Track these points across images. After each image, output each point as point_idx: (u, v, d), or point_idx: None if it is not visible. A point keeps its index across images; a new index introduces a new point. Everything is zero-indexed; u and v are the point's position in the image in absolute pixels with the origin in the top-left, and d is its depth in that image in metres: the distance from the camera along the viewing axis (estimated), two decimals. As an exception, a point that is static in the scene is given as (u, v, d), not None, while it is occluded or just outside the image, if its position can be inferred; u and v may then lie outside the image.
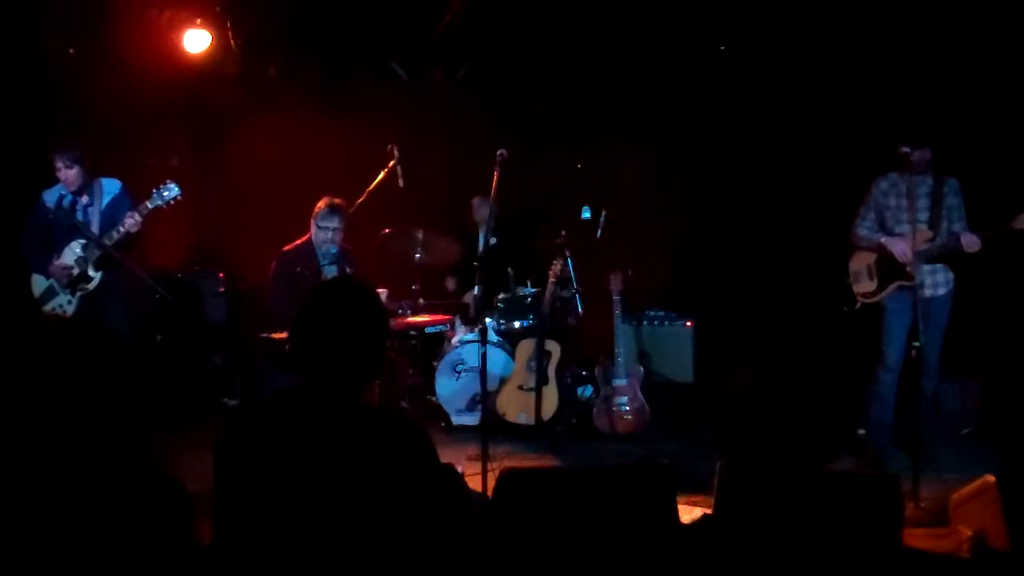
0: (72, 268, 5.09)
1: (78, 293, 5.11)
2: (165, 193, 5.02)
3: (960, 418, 5.83)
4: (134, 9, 6.13)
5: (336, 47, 7.11)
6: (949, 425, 5.66)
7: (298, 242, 5.46)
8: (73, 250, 5.11)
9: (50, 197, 5.18)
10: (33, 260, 5.17)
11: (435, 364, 6.11)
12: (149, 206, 5.02)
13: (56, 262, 5.10)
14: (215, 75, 6.71)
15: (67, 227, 5.12)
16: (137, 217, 4.99)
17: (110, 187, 5.26)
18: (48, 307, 5.12)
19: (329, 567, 1.96)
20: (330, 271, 5.44)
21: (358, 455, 2.01)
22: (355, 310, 2.15)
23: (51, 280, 5.12)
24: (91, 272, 5.08)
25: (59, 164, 5.07)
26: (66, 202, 5.15)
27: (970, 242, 4.75)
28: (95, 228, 5.12)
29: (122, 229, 5.00)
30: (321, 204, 5.37)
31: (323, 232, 5.34)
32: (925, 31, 5.87)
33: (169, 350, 6.04)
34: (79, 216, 5.14)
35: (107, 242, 5.01)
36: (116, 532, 1.85)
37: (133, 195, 5.21)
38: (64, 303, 5.12)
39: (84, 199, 5.19)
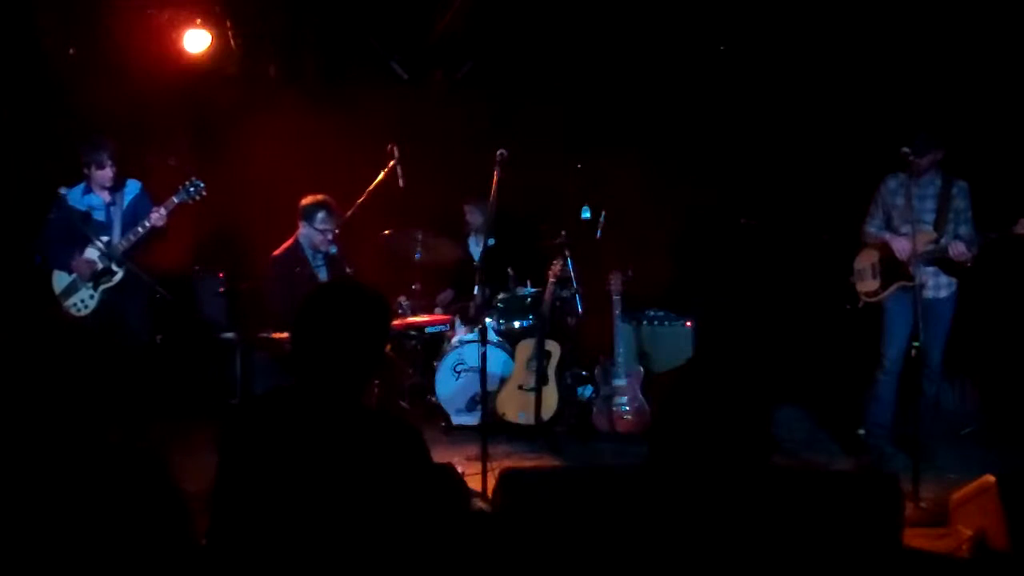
0: (95, 263, 5.13)
1: (100, 287, 5.16)
2: (191, 189, 5.14)
3: (960, 418, 5.82)
4: (134, 9, 6.13)
5: (336, 47, 7.11)
6: (949, 425, 5.66)
7: (287, 245, 5.48)
8: (96, 246, 5.15)
9: (73, 195, 5.22)
10: (54, 256, 5.21)
11: (435, 364, 6.11)
12: (175, 201, 5.13)
13: (79, 257, 5.13)
14: (215, 75, 6.71)
15: (89, 225, 5.17)
16: (163, 212, 5.10)
17: (131, 187, 5.35)
18: (69, 302, 5.16)
19: (321, 565, 1.97)
20: (322, 272, 5.49)
21: (350, 454, 2.02)
22: (353, 311, 2.15)
23: (73, 276, 5.16)
24: (115, 267, 5.13)
25: (96, 162, 5.14)
26: (86, 202, 5.21)
27: (957, 252, 4.73)
28: (117, 227, 5.19)
29: (147, 224, 5.09)
30: (309, 204, 5.39)
31: (322, 234, 5.36)
32: (929, 30, 5.87)
33: (169, 350, 6.04)
34: (101, 216, 5.22)
35: (132, 238, 5.08)
36: (115, 531, 1.85)
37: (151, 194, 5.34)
38: (86, 297, 5.16)
39: (106, 197, 5.25)
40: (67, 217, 5.15)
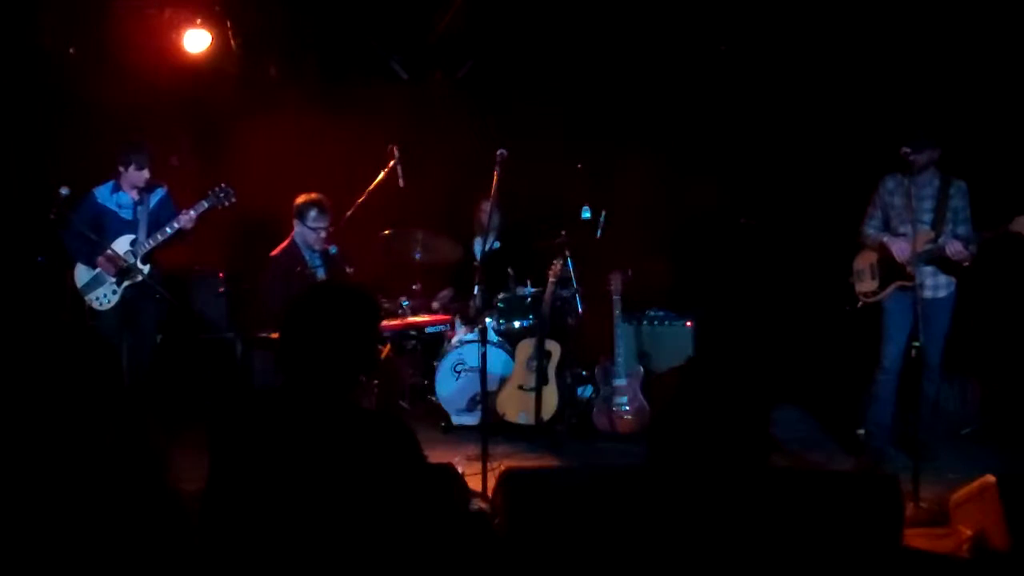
0: (121, 260, 5.16)
1: (124, 283, 5.21)
2: (221, 195, 5.27)
3: (960, 418, 5.82)
4: (134, 9, 6.13)
5: (336, 47, 7.10)
6: (949, 425, 5.66)
7: (283, 245, 5.49)
8: (123, 243, 5.21)
9: (101, 193, 5.30)
10: (79, 252, 5.24)
11: (435, 364, 6.11)
12: (205, 205, 5.25)
13: (106, 253, 5.16)
14: (215, 75, 6.71)
15: (115, 223, 5.25)
16: (192, 214, 5.21)
17: (158, 190, 5.43)
18: (90, 296, 5.22)
19: (312, 565, 1.96)
20: (321, 272, 5.49)
21: (340, 453, 2.02)
22: (339, 311, 2.17)
23: (96, 270, 5.20)
24: (140, 264, 5.16)
25: (137, 163, 5.21)
26: (115, 200, 5.28)
27: (955, 250, 4.73)
28: (143, 227, 5.27)
29: (176, 225, 5.20)
30: (302, 202, 5.42)
31: (315, 232, 5.38)
32: (928, 30, 5.87)
33: (169, 350, 6.04)
34: (128, 215, 5.29)
35: (160, 237, 5.18)
36: (111, 530, 1.85)
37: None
38: (108, 292, 5.22)
39: (135, 196, 5.30)
40: (94, 213, 5.24)
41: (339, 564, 1.96)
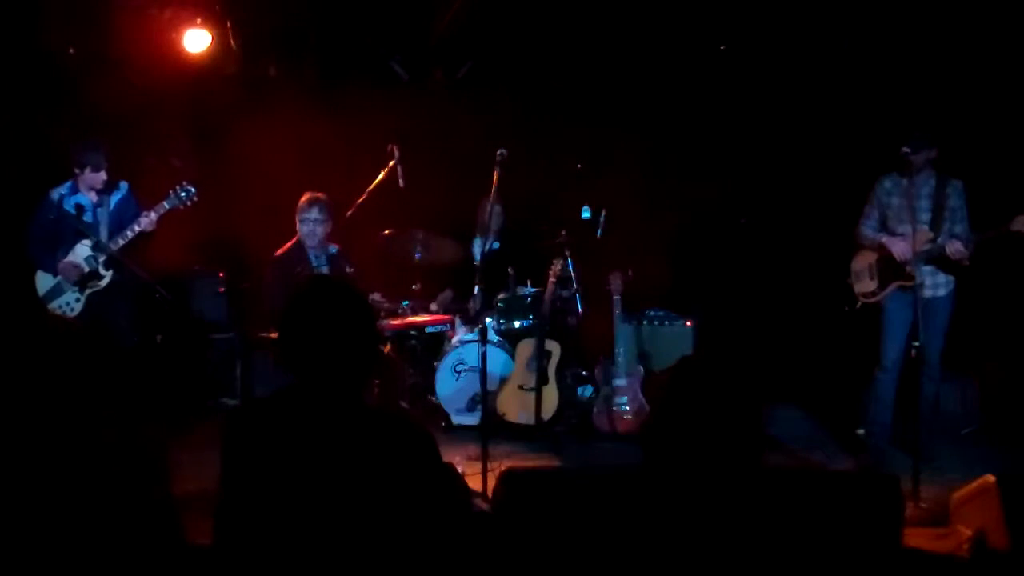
0: (82, 266, 5.09)
1: (87, 291, 5.13)
2: (182, 194, 5.15)
3: (960, 418, 5.82)
4: (134, 9, 6.13)
5: (336, 47, 7.11)
6: (949, 425, 5.66)
7: (288, 245, 5.48)
8: (83, 249, 5.12)
9: (58, 196, 5.18)
10: (39, 258, 5.16)
11: (435, 364, 6.11)
12: (166, 206, 5.13)
13: (65, 260, 5.10)
14: (215, 75, 6.71)
15: (74, 227, 5.13)
16: (153, 216, 5.10)
17: (119, 188, 5.31)
18: (53, 304, 5.12)
19: (330, 567, 1.96)
20: (325, 272, 5.48)
21: (360, 456, 2.01)
22: (336, 309, 2.14)
23: (58, 278, 5.12)
24: (102, 271, 5.10)
25: (93, 164, 5.09)
26: (73, 202, 5.16)
27: (955, 250, 4.74)
28: (104, 228, 5.16)
29: (136, 228, 5.08)
30: (302, 199, 5.43)
31: (304, 224, 5.40)
32: (927, 30, 5.88)
33: (168, 350, 6.05)
34: (88, 217, 5.17)
35: (121, 241, 5.06)
36: (103, 528, 1.85)
37: (138, 196, 5.30)
38: (72, 300, 5.12)
39: (93, 198, 5.20)
40: (56, 218, 5.11)
41: (361, 565, 1.95)
